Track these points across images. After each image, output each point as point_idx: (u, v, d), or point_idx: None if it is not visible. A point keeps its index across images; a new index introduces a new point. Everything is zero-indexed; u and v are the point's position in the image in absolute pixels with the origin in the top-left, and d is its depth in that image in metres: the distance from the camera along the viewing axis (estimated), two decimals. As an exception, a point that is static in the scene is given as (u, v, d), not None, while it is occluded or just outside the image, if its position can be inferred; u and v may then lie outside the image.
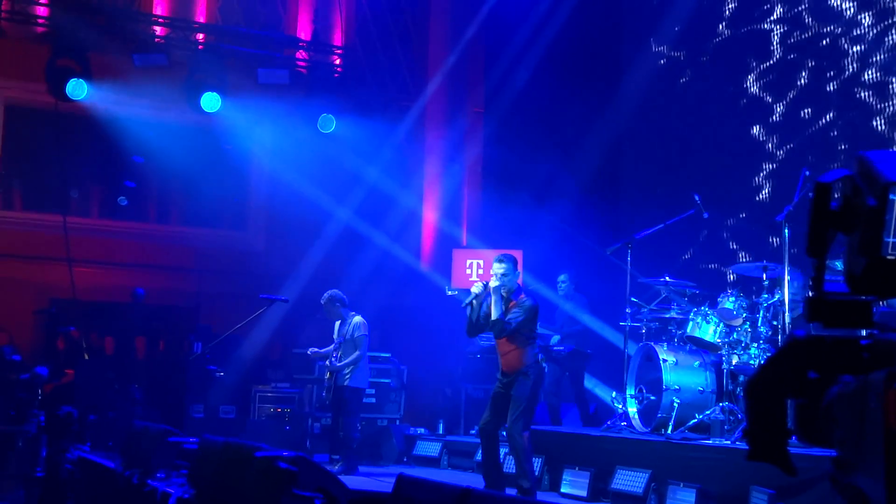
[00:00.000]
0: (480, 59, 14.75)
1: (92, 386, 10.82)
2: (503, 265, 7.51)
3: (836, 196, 2.30)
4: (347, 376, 9.62)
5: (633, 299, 9.41)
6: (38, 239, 13.06)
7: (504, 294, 7.47)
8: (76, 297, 11.88)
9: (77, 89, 11.82)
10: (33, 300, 13.06)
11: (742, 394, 7.91)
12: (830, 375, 2.21)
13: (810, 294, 2.28)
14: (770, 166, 10.77)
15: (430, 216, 14.66)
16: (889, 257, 2.17)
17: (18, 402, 10.26)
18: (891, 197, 2.15)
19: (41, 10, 13.02)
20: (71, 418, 9.22)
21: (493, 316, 7.43)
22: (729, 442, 7.62)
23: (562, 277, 10.82)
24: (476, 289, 7.51)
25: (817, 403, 2.21)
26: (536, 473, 8.54)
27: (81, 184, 14.10)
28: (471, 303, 7.54)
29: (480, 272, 12.57)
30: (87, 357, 11.30)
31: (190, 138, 13.64)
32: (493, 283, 7.47)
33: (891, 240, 2.17)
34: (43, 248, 12.92)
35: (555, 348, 10.42)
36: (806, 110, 10.43)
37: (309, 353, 10.02)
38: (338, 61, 14.24)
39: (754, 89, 11.16)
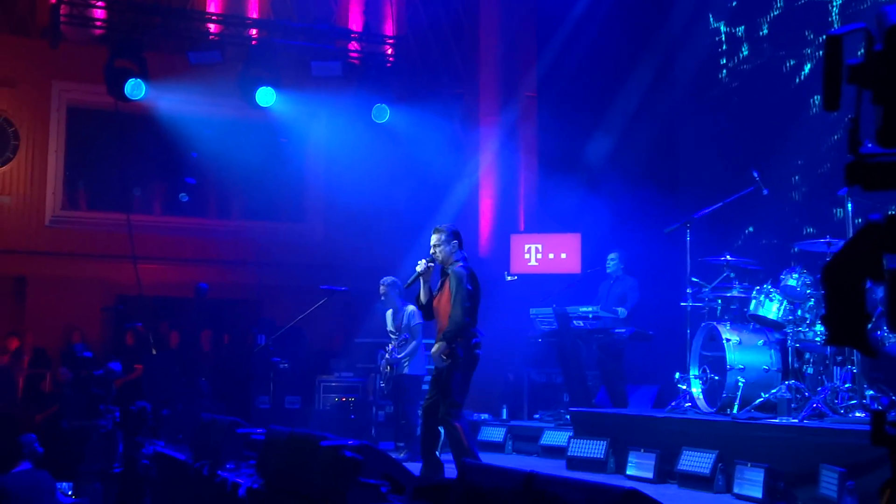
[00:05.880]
0: (532, 44, 14.67)
1: (160, 380, 11.02)
2: (437, 235, 7.37)
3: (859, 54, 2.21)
4: (405, 365, 9.69)
5: (693, 279, 9.31)
6: (103, 237, 13.33)
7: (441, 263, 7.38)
8: (142, 294, 12.11)
9: (135, 89, 12.05)
10: (101, 298, 13.35)
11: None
12: None
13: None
14: (831, 139, 10.58)
15: (487, 202, 14.66)
16: None
17: (92, 398, 10.49)
18: None
19: (98, 13, 13.25)
20: (145, 413, 9.37)
21: (422, 297, 7.36)
22: (797, 420, 7.52)
23: (612, 255, 10.70)
24: (419, 267, 7.38)
25: None
26: (585, 455, 8.64)
27: (143, 182, 14.34)
28: (417, 282, 7.42)
29: (539, 256, 12.54)
30: (154, 352, 11.51)
31: (246, 133, 13.83)
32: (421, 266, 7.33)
33: None
34: (108, 247, 13.19)
35: (615, 331, 10.35)
36: (867, 81, 10.19)
37: (381, 367, 10.01)
38: (390, 51, 14.28)
39: (813, 62, 10.96)
